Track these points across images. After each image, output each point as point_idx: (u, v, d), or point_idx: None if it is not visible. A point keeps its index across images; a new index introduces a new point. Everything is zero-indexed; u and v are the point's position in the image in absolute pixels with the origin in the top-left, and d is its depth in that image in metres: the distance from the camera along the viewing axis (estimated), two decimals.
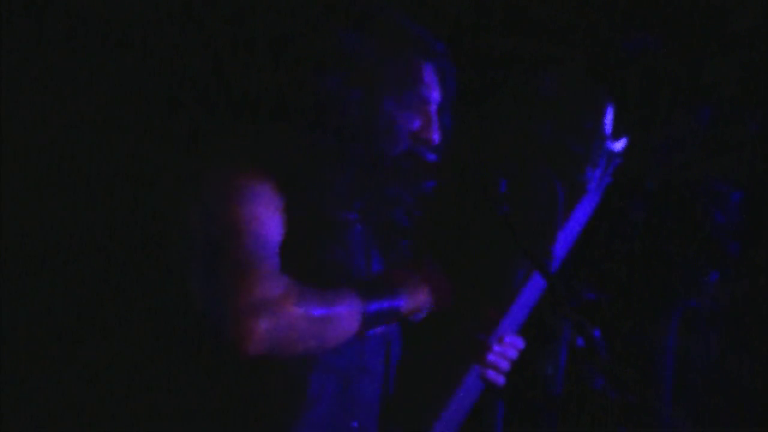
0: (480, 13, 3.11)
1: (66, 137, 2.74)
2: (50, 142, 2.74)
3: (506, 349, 2.17)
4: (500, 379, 2.17)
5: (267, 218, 1.97)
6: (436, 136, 2.09)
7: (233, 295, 1.87)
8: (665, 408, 3.16)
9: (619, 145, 2.16)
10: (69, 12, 2.73)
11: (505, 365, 2.17)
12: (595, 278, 3.13)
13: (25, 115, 2.73)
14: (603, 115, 2.10)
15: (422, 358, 2.19)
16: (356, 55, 2.04)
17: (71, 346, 2.75)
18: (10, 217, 2.73)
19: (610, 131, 2.12)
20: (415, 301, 2.07)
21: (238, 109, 2.72)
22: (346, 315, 1.96)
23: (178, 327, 2.08)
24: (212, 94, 2.79)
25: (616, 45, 3.22)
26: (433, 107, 2.11)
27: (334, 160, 2.04)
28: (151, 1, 2.76)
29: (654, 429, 3.11)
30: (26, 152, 2.74)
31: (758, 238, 3.28)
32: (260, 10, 2.80)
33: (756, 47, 3.17)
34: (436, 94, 2.12)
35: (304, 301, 1.91)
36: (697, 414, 3.25)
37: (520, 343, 2.20)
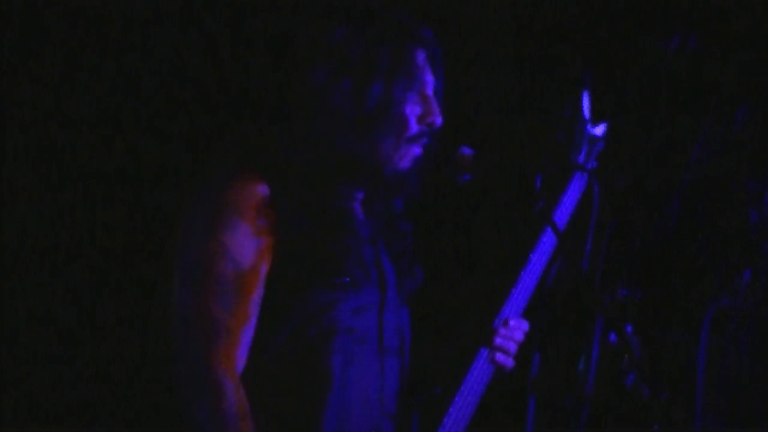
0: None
1: (66, 137, 2.75)
2: (50, 142, 2.74)
3: (512, 332, 2.22)
4: (509, 362, 2.23)
5: (247, 251, 1.97)
6: (438, 119, 2.10)
7: (202, 354, 1.92)
8: (697, 407, 3.16)
9: (599, 130, 2.18)
10: (69, 12, 2.73)
11: (512, 347, 2.22)
12: (628, 275, 3.13)
13: (25, 115, 2.73)
14: (580, 101, 2.12)
15: (432, 345, 2.22)
16: (345, 46, 2.05)
17: (71, 346, 2.75)
18: (10, 217, 2.73)
19: (589, 116, 2.13)
20: None
21: (238, 108, 2.72)
22: None
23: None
24: (212, 94, 2.80)
25: (617, 45, 3.22)
26: (430, 90, 2.12)
27: (331, 152, 2.05)
28: (151, 1, 2.77)
29: (686, 427, 3.12)
30: (26, 152, 2.74)
31: None
32: (258, 10, 2.80)
33: (756, 47, 3.17)
34: (430, 78, 2.12)
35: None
36: (728, 413, 3.25)
37: (526, 325, 2.25)
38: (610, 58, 3.21)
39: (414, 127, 2.09)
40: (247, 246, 1.97)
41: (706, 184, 3.24)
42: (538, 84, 3.13)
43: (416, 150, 2.10)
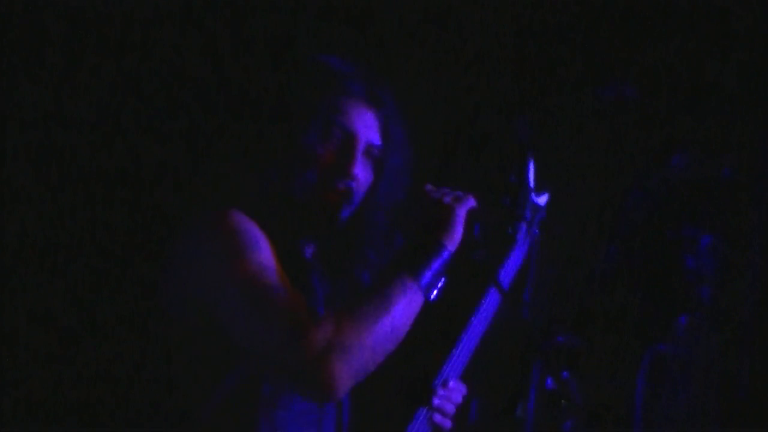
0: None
1: (66, 137, 2.75)
2: (50, 142, 2.75)
3: (451, 393, 2.22)
4: (447, 423, 2.23)
5: (272, 258, 1.96)
6: (357, 171, 2.08)
7: (296, 348, 1.84)
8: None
9: (542, 200, 2.18)
10: (69, 12, 2.73)
11: (451, 408, 2.23)
12: (567, 320, 3.16)
13: (25, 115, 2.73)
14: (525, 168, 2.12)
15: (370, 404, 2.21)
16: (280, 92, 2.10)
17: (71, 346, 2.75)
18: (10, 217, 2.73)
19: (533, 185, 2.14)
20: (452, 235, 2.01)
21: (238, 108, 2.73)
22: (405, 302, 1.93)
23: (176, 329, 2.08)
24: (212, 94, 2.80)
25: (617, 45, 3.23)
26: (359, 144, 2.09)
27: (284, 197, 2.05)
28: (151, 1, 2.77)
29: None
30: (26, 152, 2.74)
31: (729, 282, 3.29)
32: (258, 10, 2.80)
33: (756, 47, 3.18)
34: (364, 133, 2.10)
35: (361, 318, 1.88)
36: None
37: (464, 388, 2.25)
38: (610, 58, 3.22)
39: (321, 174, 2.07)
40: (266, 246, 1.96)
41: (645, 231, 3.26)
42: (538, 84, 3.13)
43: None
